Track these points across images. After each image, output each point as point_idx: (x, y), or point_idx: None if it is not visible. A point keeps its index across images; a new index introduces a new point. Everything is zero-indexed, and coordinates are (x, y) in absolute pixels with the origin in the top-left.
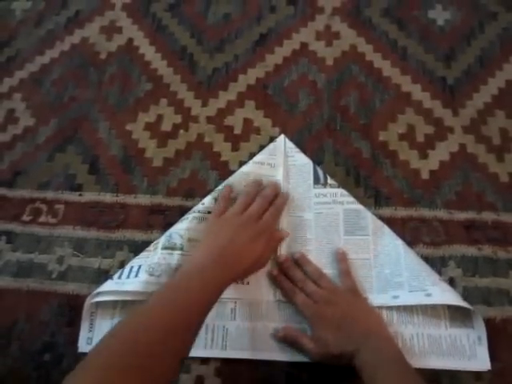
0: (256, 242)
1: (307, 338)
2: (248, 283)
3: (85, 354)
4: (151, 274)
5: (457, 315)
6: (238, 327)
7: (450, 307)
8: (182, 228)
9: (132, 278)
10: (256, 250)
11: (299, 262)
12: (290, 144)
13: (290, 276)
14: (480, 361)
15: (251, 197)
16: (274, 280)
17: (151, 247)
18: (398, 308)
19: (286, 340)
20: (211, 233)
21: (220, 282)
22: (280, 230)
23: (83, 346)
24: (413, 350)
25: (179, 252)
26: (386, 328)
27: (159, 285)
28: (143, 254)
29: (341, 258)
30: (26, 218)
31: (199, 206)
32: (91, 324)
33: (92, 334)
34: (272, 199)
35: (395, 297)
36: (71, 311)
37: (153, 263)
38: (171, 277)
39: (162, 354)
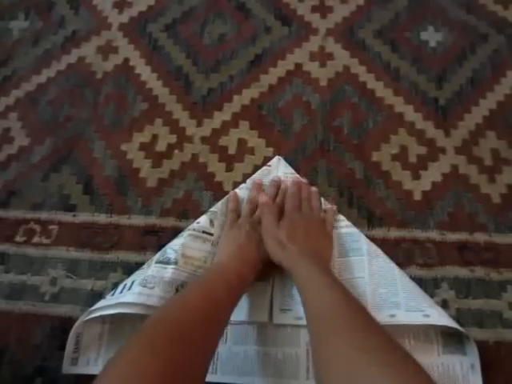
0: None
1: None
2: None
3: (68, 375)
4: (144, 286)
5: (450, 341)
6: (229, 351)
7: (443, 333)
8: (176, 244)
9: (125, 292)
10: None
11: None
12: (285, 169)
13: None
14: None
15: (255, 201)
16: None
17: (145, 265)
18: (391, 333)
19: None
20: (228, 238)
21: (241, 275)
22: None
23: (67, 367)
24: None
25: (173, 266)
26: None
27: (152, 296)
28: (137, 272)
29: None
30: (19, 238)
31: (194, 225)
32: (76, 345)
33: (77, 355)
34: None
35: (392, 315)
36: (63, 334)
37: (146, 276)
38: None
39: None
